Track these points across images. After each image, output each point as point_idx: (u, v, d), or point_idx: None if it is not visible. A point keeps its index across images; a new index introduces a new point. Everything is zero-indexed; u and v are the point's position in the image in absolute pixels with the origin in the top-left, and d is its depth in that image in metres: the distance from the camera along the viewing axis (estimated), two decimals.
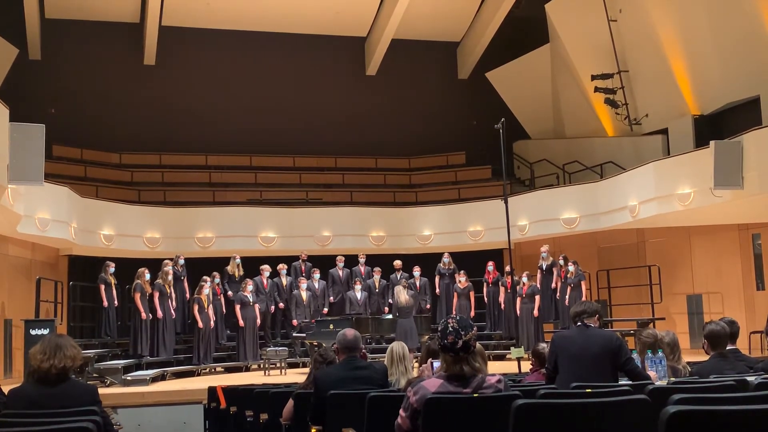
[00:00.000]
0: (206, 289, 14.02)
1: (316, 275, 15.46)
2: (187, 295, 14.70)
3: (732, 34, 15.45)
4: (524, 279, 15.11)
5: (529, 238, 17.25)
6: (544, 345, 6.44)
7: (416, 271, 15.87)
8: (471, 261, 16.77)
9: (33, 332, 11.56)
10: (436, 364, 4.61)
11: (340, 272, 15.90)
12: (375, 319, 14.00)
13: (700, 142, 15.45)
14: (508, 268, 14.82)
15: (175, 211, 16.98)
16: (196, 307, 13.86)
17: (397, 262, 15.98)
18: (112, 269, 13.97)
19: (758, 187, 12.27)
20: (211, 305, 14.10)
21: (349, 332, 5.10)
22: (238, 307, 14.37)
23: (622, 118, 18.41)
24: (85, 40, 19.57)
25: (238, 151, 20.32)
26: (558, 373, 5.17)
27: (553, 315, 15.50)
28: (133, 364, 13.00)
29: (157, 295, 13.52)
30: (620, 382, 4.93)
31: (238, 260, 15.46)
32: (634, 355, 5.16)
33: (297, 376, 12.21)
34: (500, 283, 15.81)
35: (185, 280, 14.81)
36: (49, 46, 19.25)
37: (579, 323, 5.24)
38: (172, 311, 13.93)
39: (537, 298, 15.04)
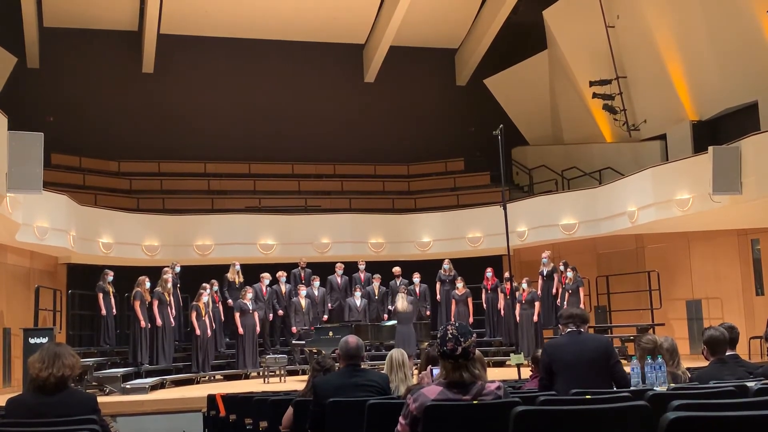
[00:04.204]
0: (205, 297, 14.01)
1: (316, 282, 15.46)
2: (180, 302, 14.69)
3: (730, 40, 15.47)
4: (524, 285, 15.11)
5: (528, 245, 17.24)
6: None
7: (416, 278, 15.86)
8: (470, 267, 16.76)
9: (32, 341, 11.55)
10: (436, 371, 4.60)
11: (339, 279, 15.89)
12: (374, 326, 14.00)
13: (699, 147, 15.46)
14: (507, 275, 14.83)
15: (174, 219, 16.97)
16: (194, 315, 13.86)
17: (396, 269, 15.97)
18: (110, 277, 13.96)
19: (757, 192, 12.28)
20: (208, 313, 14.08)
21: (352, 340, 5.07)
22: (237, 315, 14.35)
23: (621, 123, 18.43)
24: (83, 48, 19.61)
25: (237, 159, 20.33)
26: (553, 382, 5.17)
27: (553, 321, 15.48)
28: (132, 373, 12.98)
29: (156, 303, 13.51)
30: (621, 388, 4.93)
31: (238, 267, 15.46)
32: (634, 361, 5.15)
33: (296, 383, 12.18)
34: (499, 290, 15.81)
35: (178, 287, 14.78)
36: (48, 55, 19.27)
37: (570, 328, 5.25)
38: (171, 319, 13.92)
39: (537, 304, 15.04)
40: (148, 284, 13.50)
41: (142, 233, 16.35)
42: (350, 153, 20.94)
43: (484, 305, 16.19)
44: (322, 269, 16.02)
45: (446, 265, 16.33)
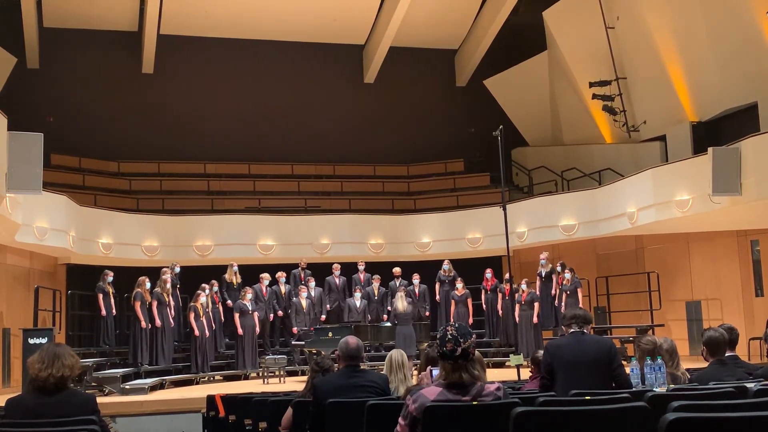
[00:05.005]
0: (202, 297, 14.02)
1: (311, 283, 15.46)
2: (180, 303, 14.69)
3: (729, 41, 15.48)
4: (523, 286, 15.10)
5: (527, 245, 17.24)
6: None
7: (416, 279, 15.86)
8: (470, 268, 16.77)
9: (31, 341, 11.56)
10: (435, 371, 4.60)
11: (337, 280, 15.89)
12: (374, 326, 14.00)
13: (698, 148, 15.47)
14: (507, 276, 14.83)
15: (174, 220, 16.97)
16: (191, 315, 13.86)
17: (396, 270, 15.97)
18: (110, 278, 13.97)
19: (756, 193, 12.27)
20: (207, 313, 14.07)
21: (352, 340, 5.07)
22: (237, 316, 14.35)
23: (620, 124, 18.44)
24: (83, 48, 19.59)
25: (237, 159, 20.33)
26: (553, 382, 5.17)
27: (552, 322, 15.48)
28: (132, 373, 12.98)
29: (155, 303, 13.51)
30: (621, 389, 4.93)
31: (236, 268, 15.45)
32: (634, 362, 5.16)
33: (296, 384, 12.18)
34: (498, 290, 15.81)
35: (178, 288, 14.79)
36: (48, 55, 19.26)
37: (573, 329, 5.25)
38: (171, 320, 13.92)
39: (536, 305, 15.03)
40: (148, 285, 13.50)
41: (142, 234, 16.35)
42: (350, 153, 20.95)
43: (484, 306, 16.19)
44: (322, 270, 16.02)
45: (446, 265, 16.33)
